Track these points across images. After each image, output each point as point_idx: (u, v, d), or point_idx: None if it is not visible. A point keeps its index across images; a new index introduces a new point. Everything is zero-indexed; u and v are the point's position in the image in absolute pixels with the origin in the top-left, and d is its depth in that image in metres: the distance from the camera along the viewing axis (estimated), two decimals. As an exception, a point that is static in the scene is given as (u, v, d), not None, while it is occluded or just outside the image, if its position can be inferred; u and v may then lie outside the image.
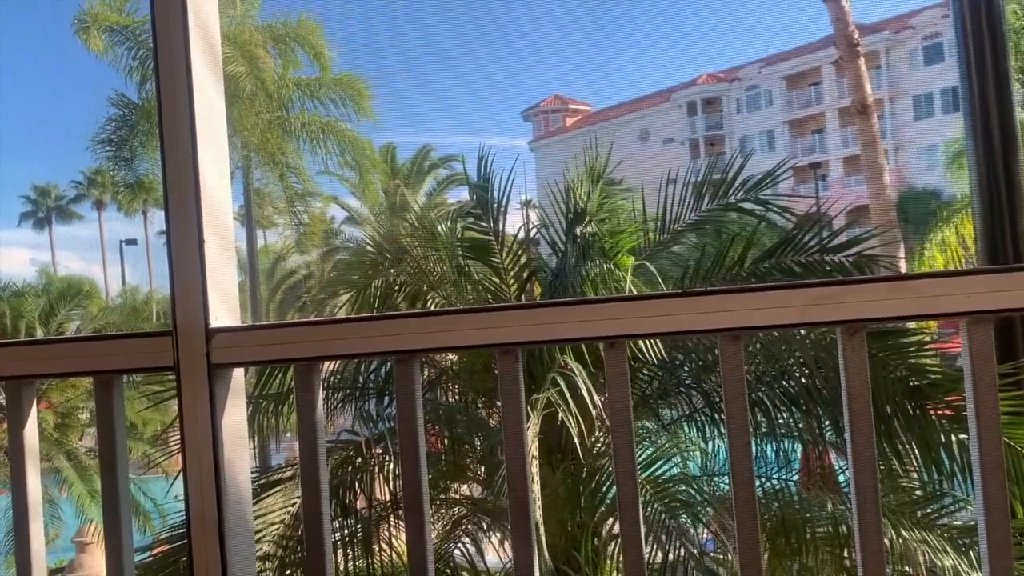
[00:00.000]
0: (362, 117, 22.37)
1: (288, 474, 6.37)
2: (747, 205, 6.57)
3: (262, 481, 6.32)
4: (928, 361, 5.50)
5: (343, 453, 6.15)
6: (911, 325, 5.68)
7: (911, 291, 1.37)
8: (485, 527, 6.35)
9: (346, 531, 5.90)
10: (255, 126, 21.41)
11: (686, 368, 6.38)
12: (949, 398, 5.29)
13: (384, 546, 5.95)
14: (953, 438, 5.14)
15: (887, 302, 1.37)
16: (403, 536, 5.88)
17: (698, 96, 46.83)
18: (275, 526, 5.71)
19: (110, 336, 1.63)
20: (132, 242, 41.20)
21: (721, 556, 5.90)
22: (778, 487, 5.80)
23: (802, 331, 5.34)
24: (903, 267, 14.17)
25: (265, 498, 5.88)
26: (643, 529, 1.52)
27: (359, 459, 6.12)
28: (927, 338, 5.58)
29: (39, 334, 17.40)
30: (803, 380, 5.67)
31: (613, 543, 5.98)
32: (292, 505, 5.83)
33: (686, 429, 6.30)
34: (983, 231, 5.29)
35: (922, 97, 40.45)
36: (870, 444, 1.40)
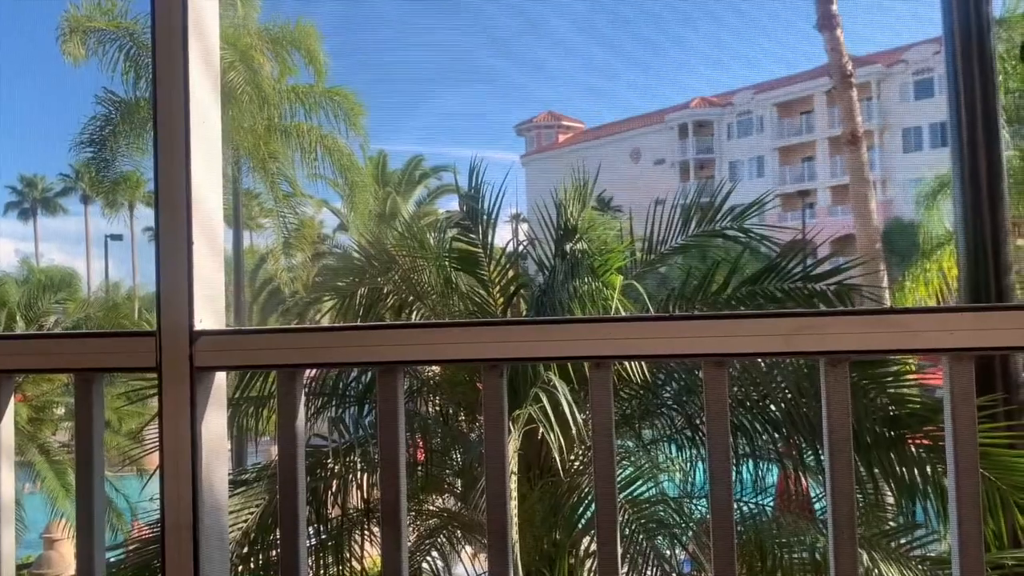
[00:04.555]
0: (353, 132, 22.39)
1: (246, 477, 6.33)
2: (732, 233, 6.62)
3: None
4: (908, 390, 5.53)
5: (314, 458, 6.10)
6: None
7: (895, 325, 1.38)
8: (457, 540, 6.32)
9: (315, 540, 5.86)
10: (249, 129, 21.34)
11: (668, 389, 6.39)
12: (927, 428, 5.32)
13: (356, 555, 5.91)
14: (929, 469, 5.16)
15: (870, 335, 1.39)
16: (369, 544, 5.87)
17: (690, 119, 47.12)
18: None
19: (93, 334, 1.62)
20: (118, 237, 40.88)
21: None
22: (755, 511, 5.81)
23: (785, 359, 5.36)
24: (886, 298, 14.25)
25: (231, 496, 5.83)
26: (620, 550, 1.51)
27: (336, 466, 6.08)
28: (907, 368, 5.61)
29: (19, 325, 17.22)
30: (783, 406, 5.69)
31: (589, 561, 5.97)
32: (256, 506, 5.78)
33: (666, 449, 6.30)
34: (966, 266, 5.34)
35: (911, 131, 40.87)
36: (849, 476, 1.41)
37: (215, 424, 1.55)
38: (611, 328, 1.46)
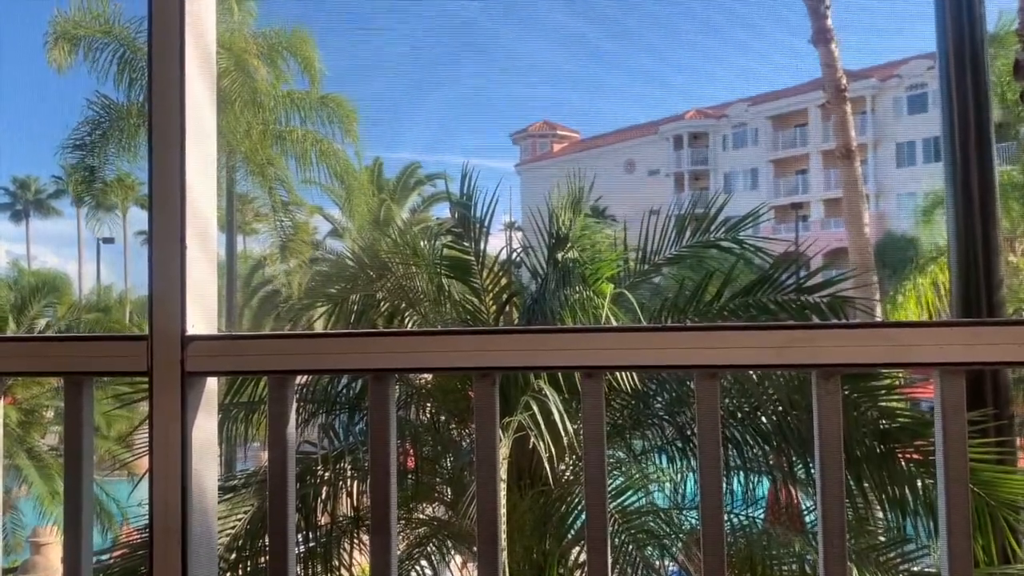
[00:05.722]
0: (348, 138, 22.42)
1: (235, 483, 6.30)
2: (726, 244, 6.63)
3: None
4: (898, 404, 5.54)
5: (304, 465, 6.07)
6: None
7: (887, 339, 1.38)
8: (447, 549, 6.29)
9: (303, 547, 5.83)
10: (245, 134, 21.29)
11: (659, 399, 6.39)
12: (917, 442, 5.33)
13: (344, 563, 5.89)
14: (919, 483, 5.17)
15: (862, 348, 1.39)
16: (358, 553, 5.84)
17: (685, 130, 47.24)
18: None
19: (84, 337, 1.61)
20: (110, 240, 40.72)
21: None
22: (746, 523, 5.81)
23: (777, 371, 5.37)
24: (878, 311, 14.29)
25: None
26: (610, 560, 1.51)
27: (327, 473, 6.05)
28: (896, 381, 5.63)
29: (10, 327, 17.13)
30: (775, 418, 5.69)
31: (579, 572, 5.95)
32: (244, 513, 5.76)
33: (657, 460, 6.30)
34: (958, 281, 5.36)
35: (905, 145, 41.04)
36: (840, 490, 1.40)
37: (205, 429, 1.54)
38: (604, 338, 1.46)
